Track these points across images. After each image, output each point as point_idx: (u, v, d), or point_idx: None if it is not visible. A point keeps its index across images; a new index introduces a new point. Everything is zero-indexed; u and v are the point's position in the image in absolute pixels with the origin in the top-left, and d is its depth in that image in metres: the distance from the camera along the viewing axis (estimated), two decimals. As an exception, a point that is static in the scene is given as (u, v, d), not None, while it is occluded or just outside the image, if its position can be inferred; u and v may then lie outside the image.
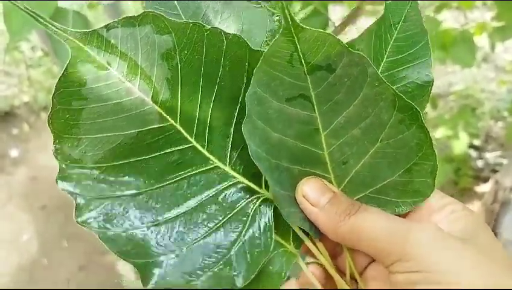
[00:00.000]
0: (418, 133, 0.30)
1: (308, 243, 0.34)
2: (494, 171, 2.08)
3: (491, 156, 2.20)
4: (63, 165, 0.30)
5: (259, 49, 0.32)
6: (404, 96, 0.29)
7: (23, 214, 1.99)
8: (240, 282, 0.30)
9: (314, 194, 0.31)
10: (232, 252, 0.31)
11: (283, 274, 0.33)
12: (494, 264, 0.28)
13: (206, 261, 0.30)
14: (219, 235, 0.31)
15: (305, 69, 0.29)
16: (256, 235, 0.31)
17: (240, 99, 0.32)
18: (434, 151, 0.30)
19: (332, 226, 0.31)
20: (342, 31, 1.00)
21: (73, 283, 1.71)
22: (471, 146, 2.20)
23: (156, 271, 0.29)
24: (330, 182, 0.32)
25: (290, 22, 0.28)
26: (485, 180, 2.07)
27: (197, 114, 0.32)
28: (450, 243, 0.28)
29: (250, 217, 0.32)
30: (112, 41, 0.30)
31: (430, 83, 0.34)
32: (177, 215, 0.31)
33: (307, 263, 0.35)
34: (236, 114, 0.32)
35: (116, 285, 1.67)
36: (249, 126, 0.31)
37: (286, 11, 0.27)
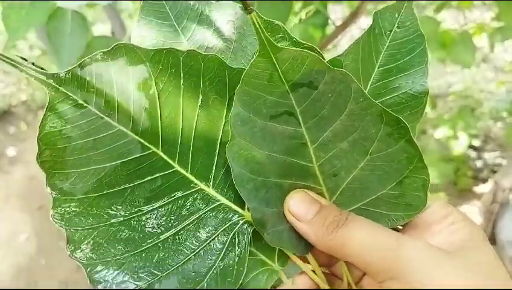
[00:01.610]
0: (407, 147, 0.30)
1: (295, 259, 0.33)
2: (493, 171, 2.08)
3: (490, 156, 2.20)
4: (56, 200, 0.31)
5: (238, 67, 0.32)
6: (390, 111, 0.29)
7: (21, 214, 1.98)
8: None
9: (300, 208, 0.31)
10: (205, 281, 0.31)
11: None
12: (481, 275, 0.28)
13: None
14: (197, 262, 0.31)
15: (287, 87, 0.29)
16: (231, 262, 0.32)
17: (224, 118, 0.32)
18: (425, 165, 0.30)
19: (322, 240, 0.30)
20: (342, 31, 0.99)
21: (71, 283, 1.71)
22: (471, 146, 2.21)
23: None
24: (322, 194, 0.32)
25: (266, 43, 0.27)
26: (484, 180, 2.08)
27: (180, 138, 0.32)
28: (440, 260, 0.28)
29: (228, 242, 0.32)
30: (87, 78, 0.30)
31: (425, 94, 0.34)
32: (159, 241, 0.31)
33: (299, 273, 0.34)
34: (221, 133, 0.33)
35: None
36: (233, 148, 0.31)
37: (261, 32, 0.27)
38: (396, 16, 0.33)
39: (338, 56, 0.35)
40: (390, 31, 0.34)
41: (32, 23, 0.71)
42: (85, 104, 0.30)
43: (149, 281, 0.30)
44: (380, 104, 0.29)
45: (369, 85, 0.35)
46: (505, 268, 0.29)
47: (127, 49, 0.30)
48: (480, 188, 2.04)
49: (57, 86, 0.30)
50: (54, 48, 0.81)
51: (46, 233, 1.90)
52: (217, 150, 0.33)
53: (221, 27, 0.35)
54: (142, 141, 0.31)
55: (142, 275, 0.31)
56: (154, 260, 0.31)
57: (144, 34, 0.35)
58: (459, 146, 2.05)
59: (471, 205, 1.95)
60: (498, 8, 1.25)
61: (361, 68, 0.34)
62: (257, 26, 0.27)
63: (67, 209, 0.31)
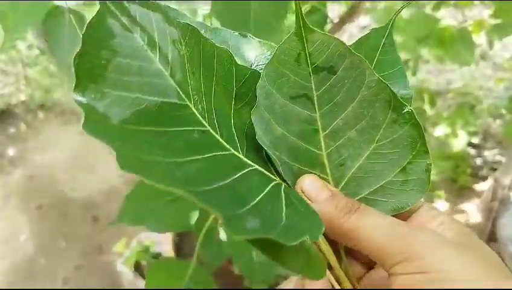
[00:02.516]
0: (411, 131, 0.31)
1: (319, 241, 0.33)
2: (493, 169, 2.08)
3: (489, 154, 2.20)
4: (89, 114, 0.27)
5: (243, 65, 0.33)
6: (396, 95, 0.30)
7: (20, 213, 1.99)
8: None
9: (313, 190, 0.31)
10: (283, 221, 0.28)
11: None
12: (491, 266, 0.28)
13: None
14: (261, 210, 0.28)
15: (310, 70, 0.31)
16: (299, 210, 0.29)
17: (233, 105, 0.33)
18: (427, 149, 0.31)
19: (333, 223, 0.30)
20: (339, 29, 0.99)
21: (71, 283, 1.71)
22: (470, 144, 2.21)
23: None
24: (328, 183, 0.33)
25: (302, 24, 0.30)
26: (484, 178, 2.08)
27: (204, 104, 0.32)
28: (451, 246, 0.28)
29: (284, 197, 0.30)
30: (132, 13, 0.30)
31: (410, 95, 0.36)
32: (211, 188, 0.28)
33: None
34: (232, 119, 0.33)
35: (113, 285, 1.66)
36: (257, 115, 0.32)
37: (300, 14, 0.29)
38: (383, 38, 0.37)
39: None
40: (379, 48, 0.37)
41: (29, 22, 0.71)
42: (131, 29, 0.30)
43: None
44: (390, 88, 0.30)
45: None
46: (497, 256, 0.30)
47: (162, 8, 0.31)
48: (480, 186, 2.04)
49: (108, 2, 0.29)
50: (52, 48, 0.81)
51: (46, 233, 1.90)
52: (234, 132, 0.33)
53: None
54: (178, 89, 0.31)
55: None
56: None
57: None
58: (459, 144, 2.05)
59: (471, 202, 1.95)
60: (494, 5, 1.25)
61: None
62: (297, 7, 0.29)
63: (101, 127, 0.27)
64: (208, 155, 0.31)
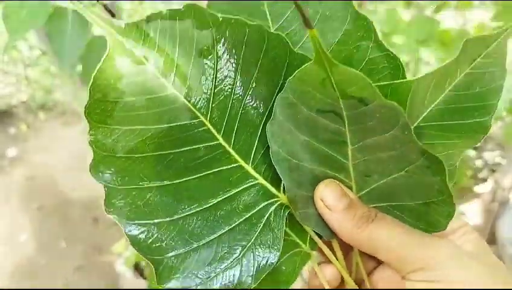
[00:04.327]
0: (440, 184, 0.29)
1: (322, 246, 0.34)
2: (493, 171, 2.08)
3: (489, 156, 2.20)
4: (96, 155, 0.30)
5: (300, 52, 0.32)
6: (431, 152, 0.28)
7: (21, 214, 1.99)
8: (248, 284, 0.31)
9: (332, 198, 0.32)
10: (242, 255, 0.31)
11: (295, 274, 0.33)
12: (505, 281, 0.30)
13: (217, 261, 0.31)
14: (232, 237, 0.32)
15: (338, 94, 0.27)
16: (266, 242, 0.32)
17: (272, 100, 0.32)
18: (453, 203, 0.30)
19: (349, 232, 0.32)
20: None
21: (71, 284, 1.71)
22: (470, 146, 2.20)
23: (171, 268, 0.30)
24: (350, 187, 0.33)
25: (323, 57, 0.25)
26: (484, 180, 2.08)
27: (228, 111, 0.32)
28: (467, 259, 0.30)
29: (264, 223, 0.32)
30: (151, 34, 0.30)
31: (484, 131, 0.32)
32: (196, 212, 0.32)
33: (320, 263, 0.35)
34: (267, 113, 0.32)
35: (113, 285, 1.66)
36: (274, 126, 0.31)
37: (318, 45, 0.25)
38: (485, 45, 0.31)
39: (415, 78, 0.31)
40: (474, 59, 0.32)
41: (32, 23, 0.71)
42: (144, 61, 0.30)
43: (185, 249, 0.31)
44: (421, 145, 0.28)
45: (432, 106, 0.33)
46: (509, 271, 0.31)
47: (196, 10, 0.30)
48: (480, 188, 2.04)
49: (120, 37, 0.29)
50: (54, 48, 0.81)
51: (46, 233, 1.90)
52: (260, 130, 0.33)
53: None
54: (192, 108, 0.31)
55: (178, 242, 0.31)
56: (190, 229, 0.31)
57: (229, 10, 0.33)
58: (459, 146, 2.04)
59: (471, 204, 1.95)
60: (495, 8, 1.26)
61: (430, 91, 0.32)
62: (316, 39, 0.25)
63: (107, 165, 0.30)
64: (208, 172, 0.32)
